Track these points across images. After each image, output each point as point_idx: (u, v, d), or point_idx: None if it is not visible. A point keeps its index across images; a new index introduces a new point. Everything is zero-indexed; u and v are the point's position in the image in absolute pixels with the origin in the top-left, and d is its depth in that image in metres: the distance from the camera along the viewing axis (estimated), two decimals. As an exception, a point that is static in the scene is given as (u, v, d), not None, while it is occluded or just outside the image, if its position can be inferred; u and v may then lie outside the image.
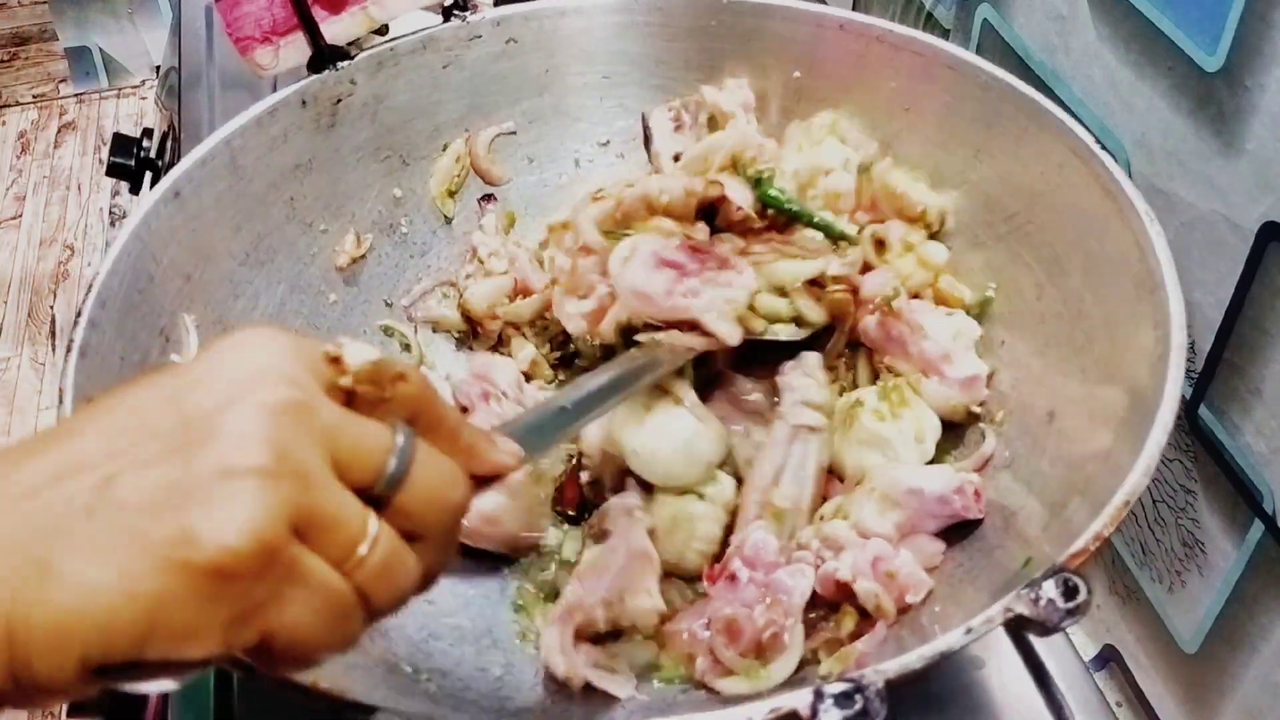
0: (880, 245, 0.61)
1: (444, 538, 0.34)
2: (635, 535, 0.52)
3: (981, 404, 0.57)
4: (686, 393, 0.55)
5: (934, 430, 0.56)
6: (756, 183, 0.60)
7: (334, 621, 0.31)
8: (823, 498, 0.56)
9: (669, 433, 0.54)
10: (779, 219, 0.60)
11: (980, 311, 0.60)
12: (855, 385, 0.59)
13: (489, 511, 0.55)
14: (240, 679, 0.40)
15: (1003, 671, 0.53)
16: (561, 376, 0.66)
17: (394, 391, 0.33)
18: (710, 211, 0.60)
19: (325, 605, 0.30)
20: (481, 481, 0.37)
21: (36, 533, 0.28)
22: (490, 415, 0.60)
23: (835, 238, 0.60)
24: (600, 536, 0.54)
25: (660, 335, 0.54)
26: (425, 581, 0.34)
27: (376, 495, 0.32)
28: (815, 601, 0.51)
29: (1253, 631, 0.55)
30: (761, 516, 0.53)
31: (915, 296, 0.60)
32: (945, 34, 0.77)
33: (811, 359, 0.58)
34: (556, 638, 0.49)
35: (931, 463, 0.55)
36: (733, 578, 0.50)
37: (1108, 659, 0.67)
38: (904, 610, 0.49)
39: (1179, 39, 0.53)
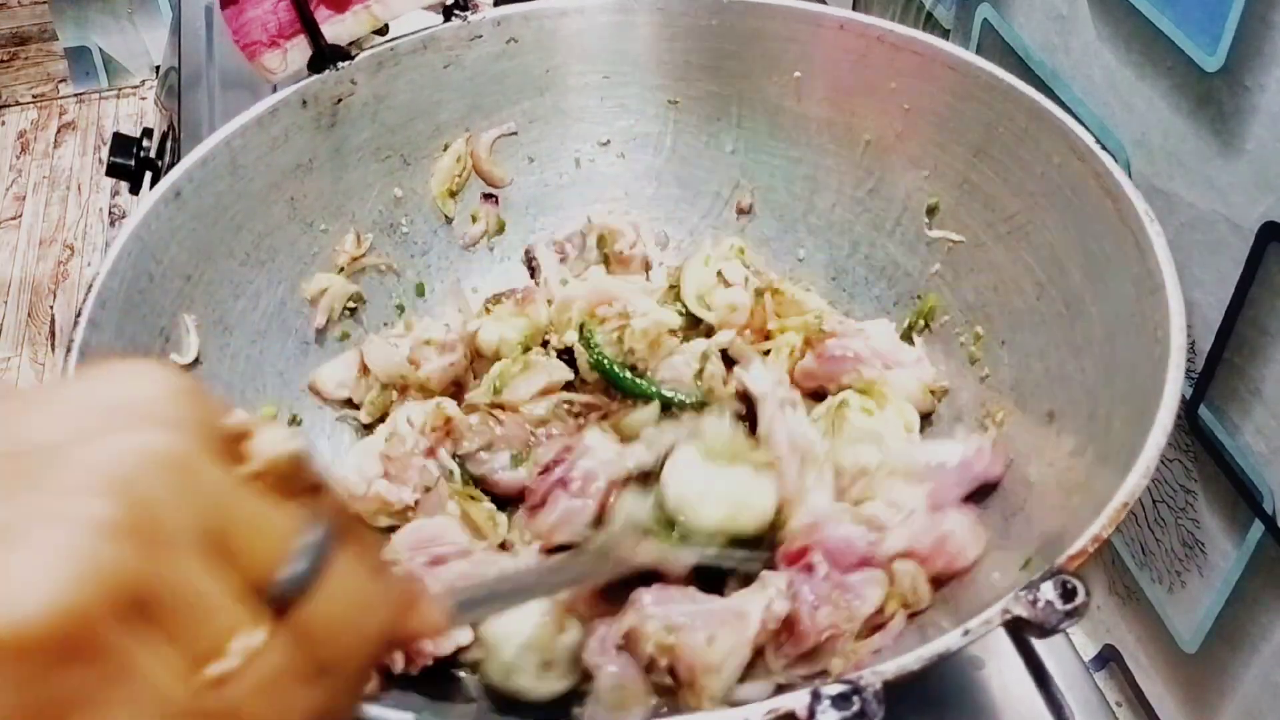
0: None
1: (352, 676, 0.26)
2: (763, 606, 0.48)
3: (938, 385, 0.60)
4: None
5: (917, 419, 0.58)
6: (592, 354, 0.60)
7: None
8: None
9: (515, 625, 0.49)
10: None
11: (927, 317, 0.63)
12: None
13: None
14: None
15: (1003, 672, 0.53)
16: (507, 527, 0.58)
17: (306, 500, 0.26)
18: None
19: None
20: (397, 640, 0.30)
21: None
22: (449, 581, 0.52)
23: (668, 405, 0.58)
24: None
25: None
26: None
27: (272, 598, 0.24)
28: None
29: (1253, 631, 0.55)
30: (802, 468, 0.53)
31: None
32: (945, 34, 0.77)
33: (752, 358, 0.60)
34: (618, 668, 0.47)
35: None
36: (810, 568, 0.48)
37: (1108, 659, 0.67)
38: (952, 577, 0.49)
39: (1179, 39, 0.53)
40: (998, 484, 0.53)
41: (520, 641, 0.48)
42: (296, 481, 0.26)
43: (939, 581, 0.50)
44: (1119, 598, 0.66)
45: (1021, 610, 0.38)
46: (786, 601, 0.47)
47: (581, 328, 0.61)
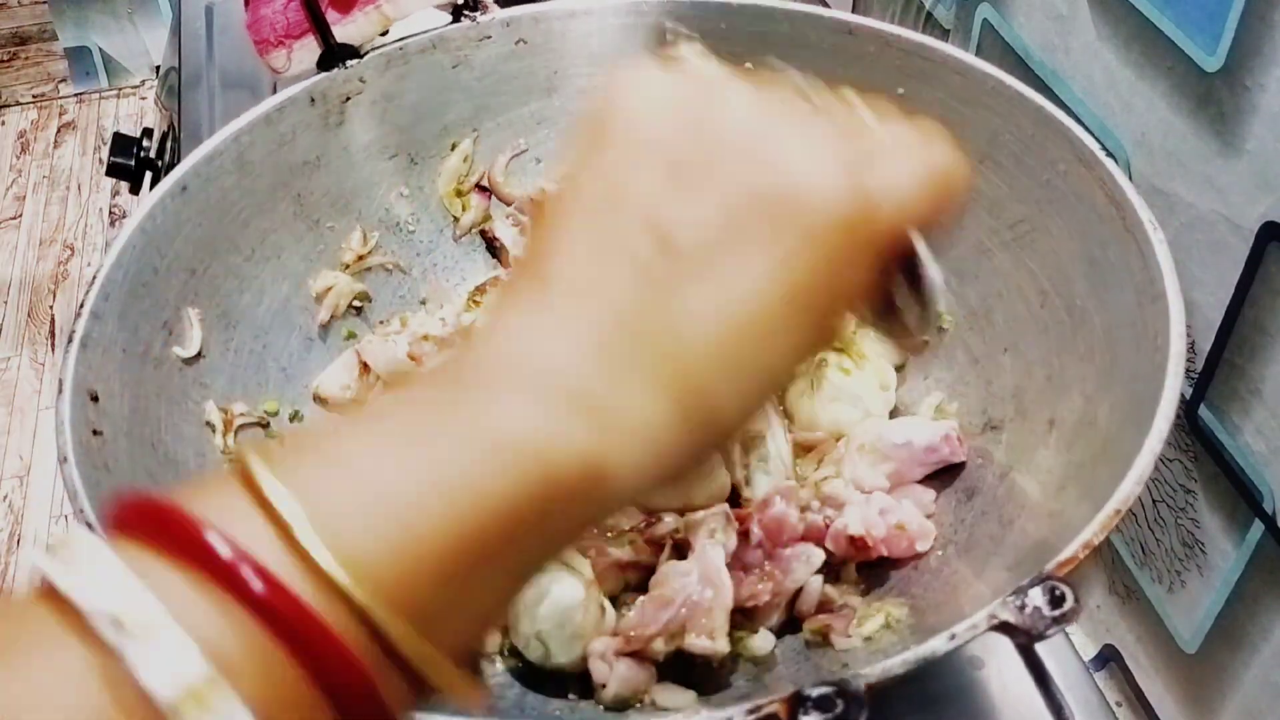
0: None
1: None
2: (712, 558, 0.50)
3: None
4: (584, 565, 0.52)
5: (893, 377, 0.61)
6: None
7: None
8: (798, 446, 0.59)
9: (552, 598, 0.49)
10: None
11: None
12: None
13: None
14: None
15: (1003, 672, 0.53)
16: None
17: None
18: None
19: None
20: None
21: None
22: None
23: None
24: (682, 548, 0.52)
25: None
26: None
27: None
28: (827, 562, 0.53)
29: (1253, 631, 0.55)
30: (746, 449, 0.56)
31: None
32: (945, 34, 0.78)
33: None
34: (624, 670, 0.48)
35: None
36: (745, 534, 0.51)
37: (1108, 659, 0.67)
38: (915, 559, 0.51)
39: (1179, 39, 0.53)
40: (963, 466, 0.56)
41: (553, 610, 0.49)
42: None
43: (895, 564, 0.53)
44: (1119, 597, 0.66)
45: (1009, 616, 0.38)
46: (733, 536, 0.51)
47: None
